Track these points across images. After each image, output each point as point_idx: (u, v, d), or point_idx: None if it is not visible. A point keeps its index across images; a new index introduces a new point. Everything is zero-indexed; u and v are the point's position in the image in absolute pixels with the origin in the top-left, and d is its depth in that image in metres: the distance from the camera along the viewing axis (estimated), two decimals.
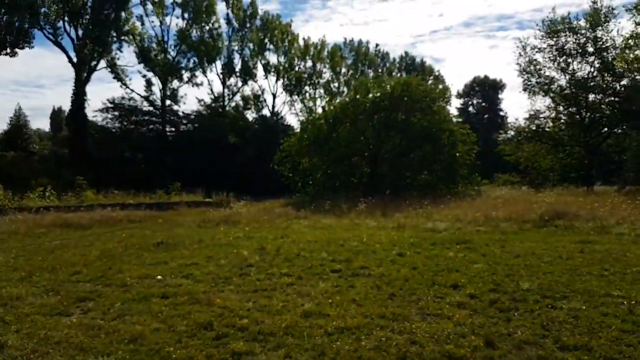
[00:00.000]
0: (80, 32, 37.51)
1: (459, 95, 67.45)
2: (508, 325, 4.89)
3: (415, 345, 4.41)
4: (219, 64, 47.10)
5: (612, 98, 29.33)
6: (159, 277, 7.36)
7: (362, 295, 6.07)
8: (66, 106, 45.88)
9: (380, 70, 60.15)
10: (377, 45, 64.83)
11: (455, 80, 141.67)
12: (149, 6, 41.72)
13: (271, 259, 8.59)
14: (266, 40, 49.14)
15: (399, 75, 52.81)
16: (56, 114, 66.75)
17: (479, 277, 6.86)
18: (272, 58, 50.82)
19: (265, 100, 52.04)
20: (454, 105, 64.80)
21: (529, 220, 12.94)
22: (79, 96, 37.46)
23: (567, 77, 30.42)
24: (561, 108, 31.90)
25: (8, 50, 34.04)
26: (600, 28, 28.71)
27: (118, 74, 41.47)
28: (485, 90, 65.64)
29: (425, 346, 4.38)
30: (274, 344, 4.52)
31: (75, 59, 37.50)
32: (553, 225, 12.19)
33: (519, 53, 31.68)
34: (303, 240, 10.69)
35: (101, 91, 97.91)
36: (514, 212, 13.88)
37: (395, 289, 6.36)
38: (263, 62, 50.06)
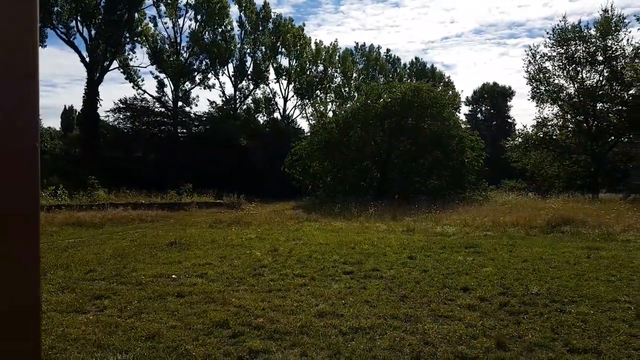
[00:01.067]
0: (93, 32, 37.94)
1: (468, 102, 67.50)
2: (518, 327, 4.98)
3: (428, 346, 4.52)
4: (231, 66, 47.60)
5: (620, 107, 29.24)
6: (173, 275, 7.48)
7: (374, 296, 6.18)
8: (77, 105, 46.59)
9: (390, 76, 60.23)
10: (388, 50, 65.21)
11: (466, 86, 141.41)
12: (162, 7, 42.21)
13: (284, 260, 8.68)
14: (278, 44, 49.29)
15: (409, 80, 52.90)
16: (67, 113, 67.42)
17: (488, 280, 6.95)
18: (284, 61, 51.15)
19: (276, 103, 52.40)
20: (463, 112, 64.89)
21: (536, 226, 12.99)
22: (91, 96, 37.76)
23: (576, 85, 30.38)
24: (569, 116, 31.83)
25: None
26: (610, 37, 28.67)
27: (130, 75, 41.84)
28: (494, 97, 65.60)
29: (438, 347, 4.49)
30: (289, 343, 4.61)
31: (87, 59, 37.88)
32: (560, 231, 12.25)
33: (529, 61, 31.74)
34: (315, 242, 10.75)
35: (113, 91, 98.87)
36: (521, 217, 13.92)
37: (406, 290, 6.47)
38: (275, 65, 50.36)
